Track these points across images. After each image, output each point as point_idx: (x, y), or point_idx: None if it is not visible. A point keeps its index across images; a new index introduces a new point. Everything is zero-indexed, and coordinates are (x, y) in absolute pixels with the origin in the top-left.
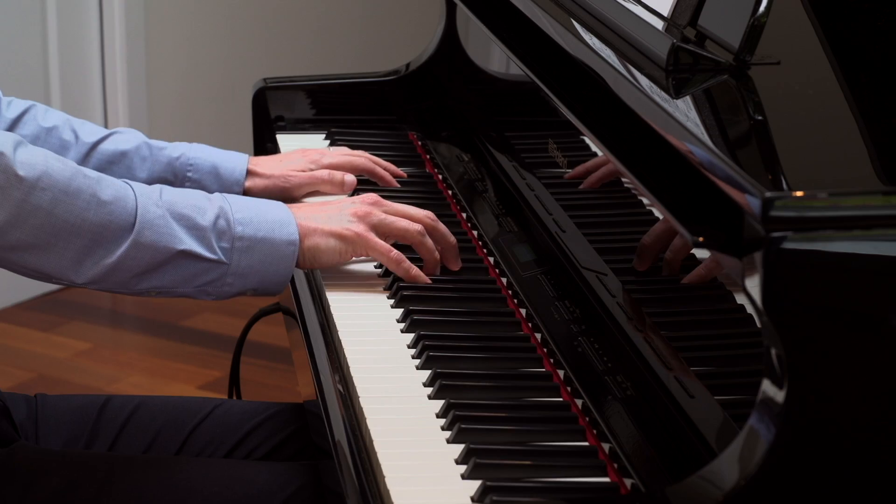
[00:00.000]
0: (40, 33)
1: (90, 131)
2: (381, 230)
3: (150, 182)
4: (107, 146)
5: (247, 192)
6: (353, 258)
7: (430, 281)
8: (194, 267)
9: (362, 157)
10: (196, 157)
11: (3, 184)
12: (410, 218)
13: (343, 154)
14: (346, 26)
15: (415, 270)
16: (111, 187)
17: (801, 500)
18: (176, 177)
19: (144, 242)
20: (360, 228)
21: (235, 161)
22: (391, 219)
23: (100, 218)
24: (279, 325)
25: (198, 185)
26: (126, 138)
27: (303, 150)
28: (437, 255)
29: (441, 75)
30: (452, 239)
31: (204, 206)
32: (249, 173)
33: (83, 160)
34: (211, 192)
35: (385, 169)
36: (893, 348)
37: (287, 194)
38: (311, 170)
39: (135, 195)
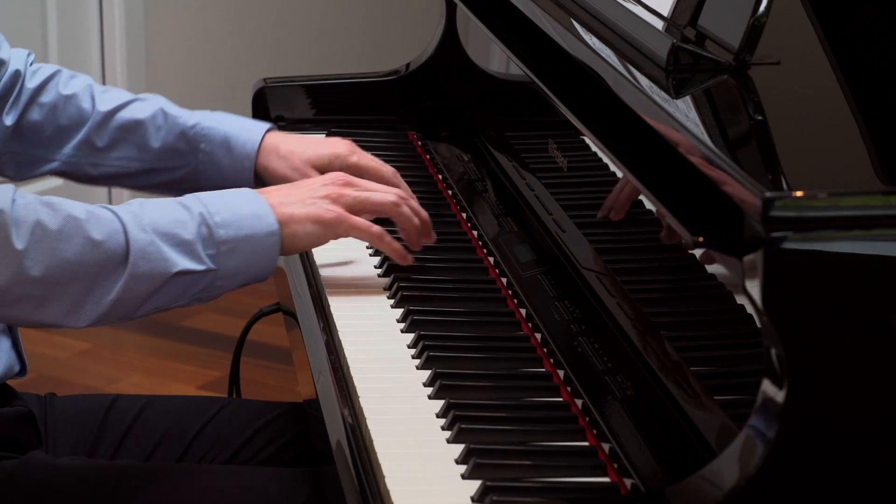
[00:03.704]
0: (40, 34)
1: (110, 98)
2: (358, 209)
3: (163, 150)
4: (123, 114)
5: (261, 171)
6: (333, 240)
7: (411, 259)
8: (188, 281)
9: (391, 172)
10: (210, 127)
11: (2, 243)
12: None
13: (373, 160)
14: (346, 26)
15: (396, 244)
16: (100, 223)
17: (801, 500)
18: (189, 146)
19: (140, 273)
20: (338, 210)
21: (249, 133)
22: (365, 194)
23: (97, 258)
24: (279, 325)
25: (209, 156)
26: (144, 106)
27: (332, 141)
28: (416, 221)
29: (441, 75)
30: (424, 213)
31: (184, 217)
32: (269, 152)
33: (97, 129)
34: (223, 164)
35: (413, 210)
36: (893, 348)
37: None
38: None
39: (123, 226)
